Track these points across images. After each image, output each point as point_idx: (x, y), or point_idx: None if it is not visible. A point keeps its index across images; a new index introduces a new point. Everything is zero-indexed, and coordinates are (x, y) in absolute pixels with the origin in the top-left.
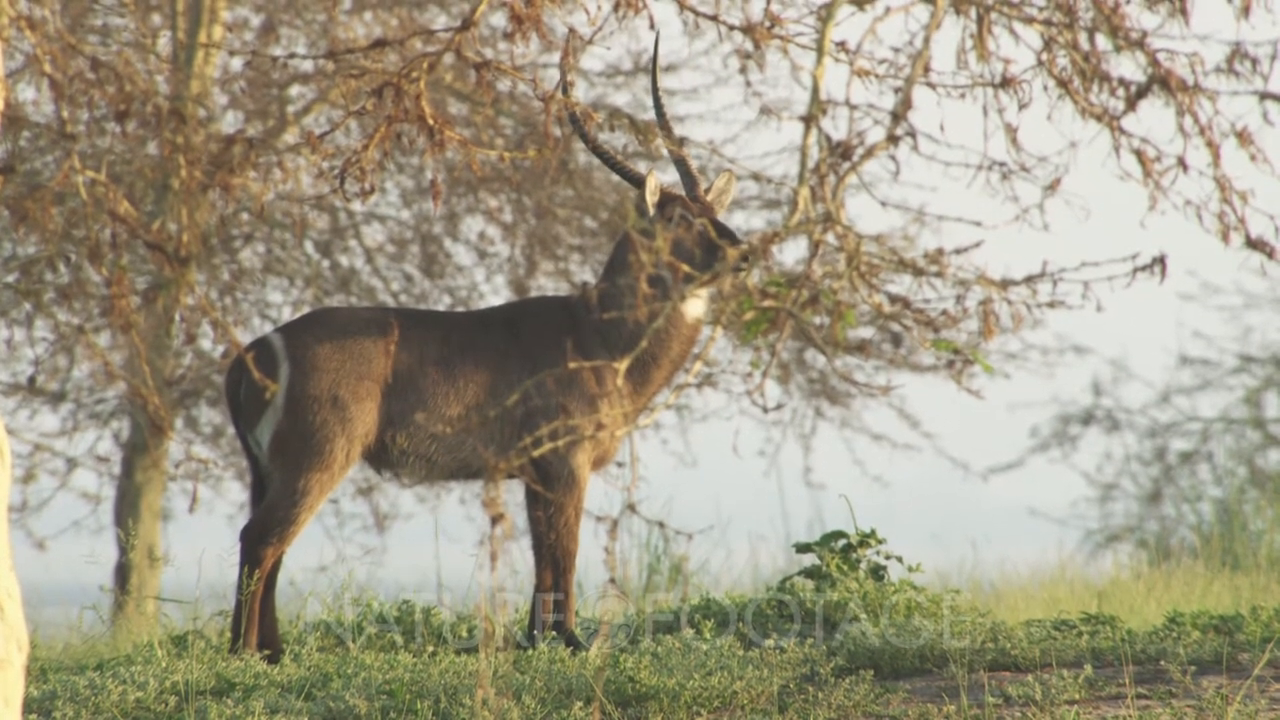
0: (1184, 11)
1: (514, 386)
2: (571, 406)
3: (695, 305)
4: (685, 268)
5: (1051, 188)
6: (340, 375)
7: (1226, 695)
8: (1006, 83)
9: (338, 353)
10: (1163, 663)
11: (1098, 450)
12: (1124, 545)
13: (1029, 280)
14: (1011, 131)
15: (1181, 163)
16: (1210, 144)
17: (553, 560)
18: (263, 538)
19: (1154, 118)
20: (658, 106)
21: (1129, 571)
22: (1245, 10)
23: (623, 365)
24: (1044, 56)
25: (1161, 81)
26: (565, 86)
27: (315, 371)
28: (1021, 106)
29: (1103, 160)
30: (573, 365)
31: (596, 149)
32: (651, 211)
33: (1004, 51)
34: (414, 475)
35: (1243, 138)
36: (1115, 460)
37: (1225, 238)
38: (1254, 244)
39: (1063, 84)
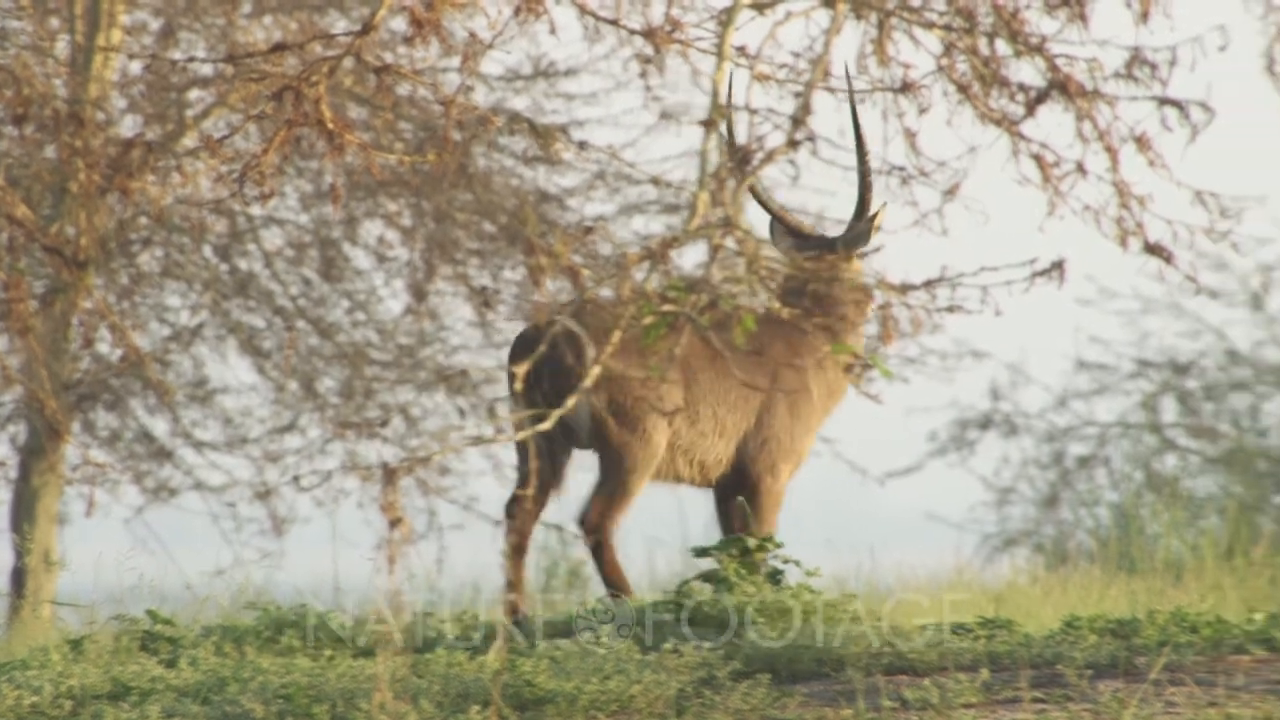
0: (1083, 17)
1: (754, 394)
2: (798, 429)
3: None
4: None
5: (950, 192)
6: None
7: (1123, 699)
8: (906, 88)
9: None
10: (1059, 666)
11: (995, 454)
12: (1021, 549)
13: (928, 285)
14: (911, 136)
15: (1080, 168)
16: (1109, 149)
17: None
18: (605, 515)
19: (1053, 123)
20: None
21: (1026, 575)
22: (1144, 16)
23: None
24: (944, 61)
25: (1061, 87)
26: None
27: (620, 350)
28: (921, 111)
29: (1002, 165)
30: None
31: (759, 198)
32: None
33: (904, 56)
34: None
35: (1141, 143)
36: (1013, 464)
37: (1123, 243)
38: (1152, 249)
39: (962, 89)
